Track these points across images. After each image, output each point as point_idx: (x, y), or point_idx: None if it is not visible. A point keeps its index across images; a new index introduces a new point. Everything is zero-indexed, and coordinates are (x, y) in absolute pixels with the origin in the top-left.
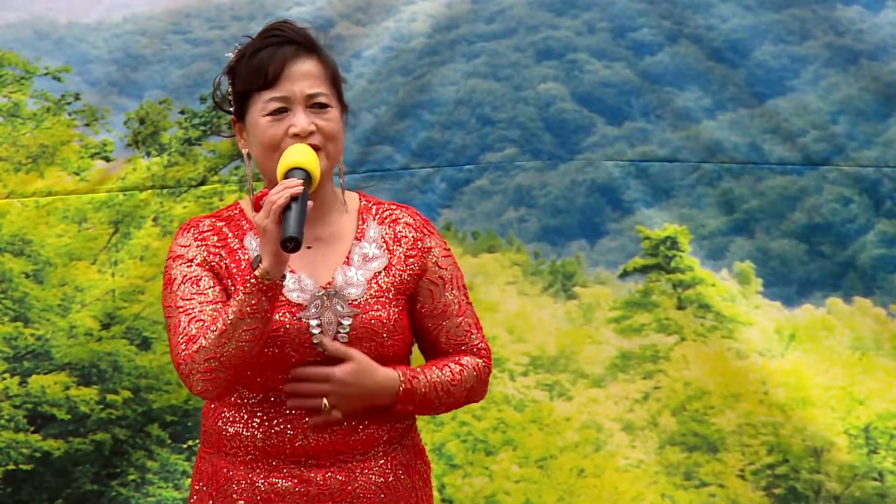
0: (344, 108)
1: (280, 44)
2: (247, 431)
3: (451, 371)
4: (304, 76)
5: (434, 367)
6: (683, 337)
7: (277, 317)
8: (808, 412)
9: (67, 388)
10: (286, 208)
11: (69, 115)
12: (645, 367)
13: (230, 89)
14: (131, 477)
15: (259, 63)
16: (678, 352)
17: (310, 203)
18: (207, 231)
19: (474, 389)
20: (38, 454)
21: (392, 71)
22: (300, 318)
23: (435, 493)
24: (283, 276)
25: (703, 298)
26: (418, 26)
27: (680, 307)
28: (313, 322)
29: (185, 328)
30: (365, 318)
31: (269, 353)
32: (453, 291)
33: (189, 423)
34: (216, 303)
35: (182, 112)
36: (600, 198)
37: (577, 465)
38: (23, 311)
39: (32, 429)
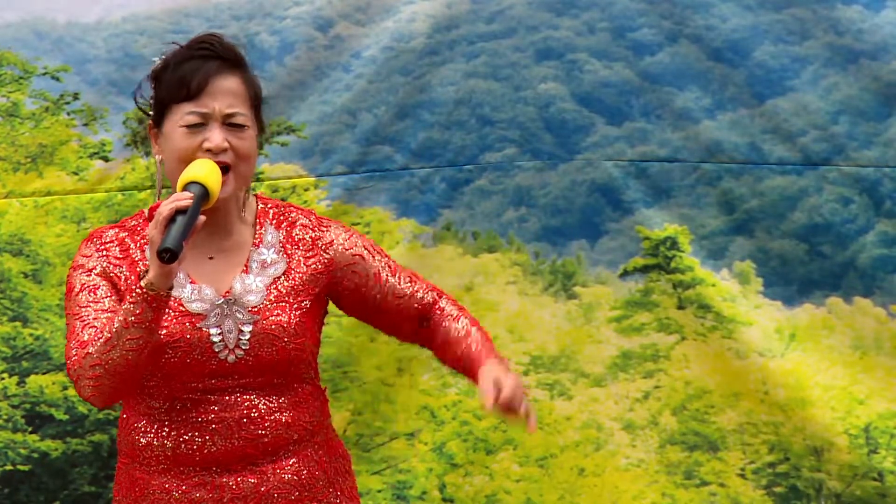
0: (261, 129)
1: (206, 58)
2: (157, 441)
3: (466, 325)
4: (225, 94)
5: (474, 338)
6: (684, 336)
7: (178, 327)
8: (809, 411)
9: (66, 388)
10: (171, 220)
11: (68, 114)
12: (645, 367)
13: (152, 95)
14: None
15: (183, 75)
16: (679, 351)
17: (202, 218)
18: (110, 242)
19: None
20: (35, 455)
21: (392, 71)
22: (200, 328)
23: (435, 493)
24: (170, 288)
25: (704, 298)
26: (418, 26)
27: (680, 307)
28: (214, 331)
29: (78, 334)
30: (265, 324)
31: (172, 363)
32: (375, 258)
33: None
34: (111, 311)
35: None
36: (600, 198)
37: (577, 465)
38: (21, 310)
39: (30, 429)
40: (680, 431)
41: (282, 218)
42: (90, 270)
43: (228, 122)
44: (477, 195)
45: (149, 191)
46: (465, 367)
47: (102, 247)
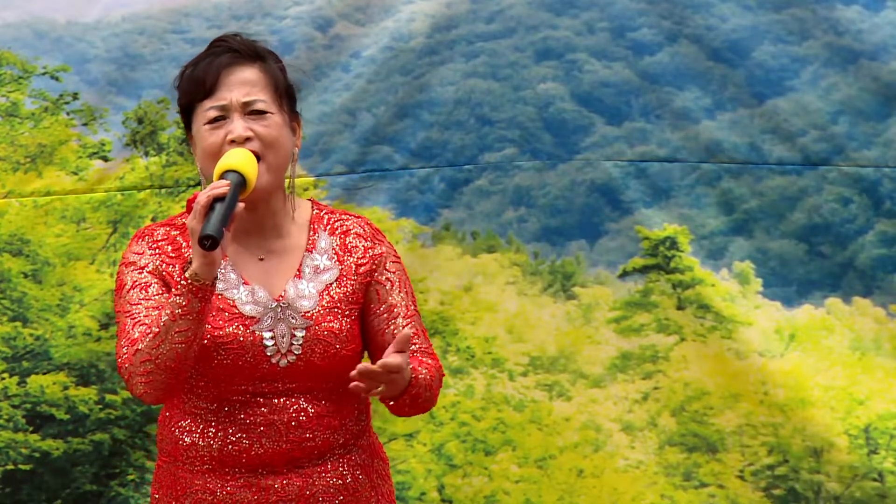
0: (294, 117)
1: (219, 54)
2: (202, 441)
3: (427, 370)
4: (241, 84)
5: (419, 366)
6: (683, 337)
7: (231, 329)
8: (808, 412)
9: (66, 388)
10: (210, 208)
11: (67, 114)
12: (644, 368)
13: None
14: (130, 477)
15: (197, 74)
16: (678, 352)
17: (240, 205)
18: (162, 241)
19: (434, 394)
20: (37, 454)
21: (391, 71)
22: (254, 331)
23: (434, 494)
24: (215, 278)
25: (703, 299)
26: (417, 26)
27: (680, 307)
28: (267, 335)
29: (128, 332)
30: (318, 330)
31: (223, 365)
32: (401, 294)
33: None
34: (162, 309)
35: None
36: (600, 198)
37: (576, 466)
38: (21, 310)
39: (31, 429)
40: (679, 433)
41: (336, 224)
42: (142, 268)
43: (249, 111)
44: (476, 195)
45: (148, 190)
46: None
47: (155, 245)
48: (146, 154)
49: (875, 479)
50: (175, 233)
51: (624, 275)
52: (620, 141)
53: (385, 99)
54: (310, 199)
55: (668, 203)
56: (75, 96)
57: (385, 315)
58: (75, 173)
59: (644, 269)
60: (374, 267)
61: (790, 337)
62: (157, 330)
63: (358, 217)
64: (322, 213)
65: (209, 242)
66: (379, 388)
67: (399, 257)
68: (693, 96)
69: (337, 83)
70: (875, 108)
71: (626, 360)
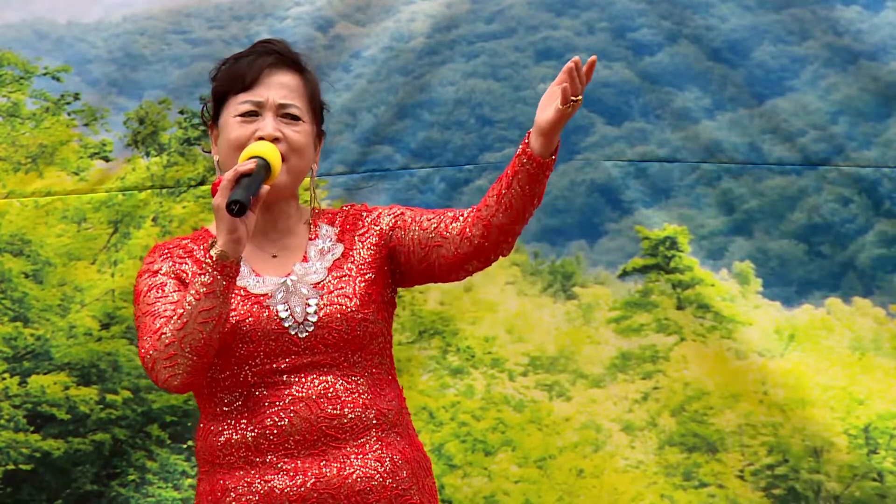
0: (321, 131)
1: (263, 53)
2: (237, 435)
3: None
4: (280, 86)
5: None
6: (683, 337)
7: (245, 308)
8: (808, 412)
9: (67, 388)
10: (236, 183)
11: (68, 114)
12: (644, 368)
13: (209, 97)
14: (131, 477)
15: (239, 67)
16: (678, 352)
17: (265, 187)
18: (174, 247)
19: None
20: (37, 454)
21: (391, 71)
22: (268, 307)
23: None
24: (240, 258)
25: (703, 298)
26: (418, 26)
27: (679, 307)
28: (281, 307)
29: (149, 327)
30: (331, 297)
31: (243, 349)
32: (413, 211)
33: (189, 424)
34: (184, 297)
35: (181, 112)
36: (599, 198)
37: (576, 466)
38: (22, 311)
39: (32, 429)
40: (679, 433)
41: (333, 215)
42: (156, 272)
43: (282, 114)
44: (477, 195)
45: (149, 191)
46: (512, 170)
47: (166, 250)
48: (147, 154)
49: (875, 479)
50: (185, 241)
51: (624, 275)
52: (620, 141)
53: (385, 99)
54: (312, 207)
55: (668, 203)
56: (76, 97)
57: (413, 223)
58: (76, 173)
59: (644, 269)
60: (379, 227)
61: (790, 337)
62: (182, 311)
63: (350, 205)
64: (323, 212)
65: (237, 207)
66: (578, 98)
67: (395, 206)
68: (693, 96)
69: (337, 83)
70: (875, 108)
71: (625, 360)
